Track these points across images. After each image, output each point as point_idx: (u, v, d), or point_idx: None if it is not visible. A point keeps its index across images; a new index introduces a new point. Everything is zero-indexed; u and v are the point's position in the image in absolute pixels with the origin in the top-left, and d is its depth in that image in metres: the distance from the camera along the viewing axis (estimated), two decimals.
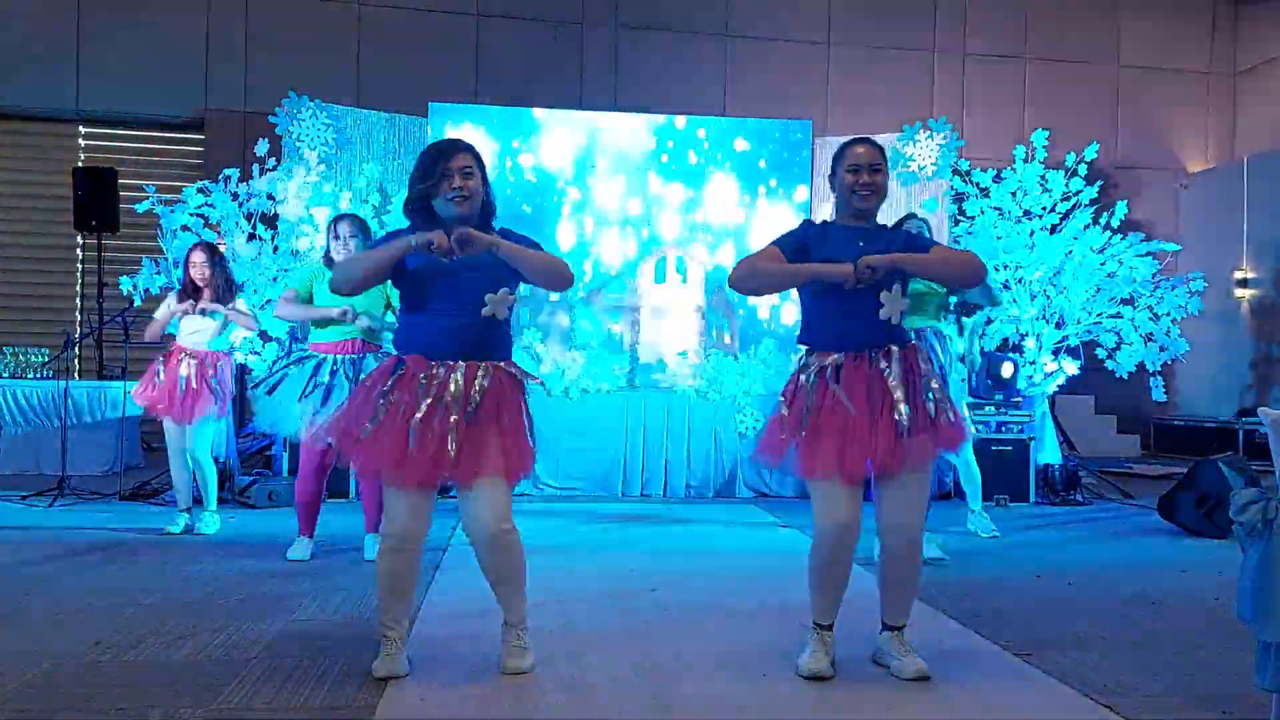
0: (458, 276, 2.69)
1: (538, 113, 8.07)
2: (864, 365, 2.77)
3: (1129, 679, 2.82)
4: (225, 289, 5.06)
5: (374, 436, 2.66)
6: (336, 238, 4.34)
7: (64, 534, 4.93)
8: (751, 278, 2.86)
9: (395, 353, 2.81)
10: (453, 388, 2.66)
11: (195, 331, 5.02)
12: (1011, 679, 2.83)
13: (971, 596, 3.81)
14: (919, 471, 2.81)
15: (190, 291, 5.04)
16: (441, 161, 2.70)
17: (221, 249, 5.51)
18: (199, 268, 4.99)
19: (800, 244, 2.85)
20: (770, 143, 8.22)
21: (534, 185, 7.92)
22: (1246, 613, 2.27)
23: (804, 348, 2.93)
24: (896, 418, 2.71)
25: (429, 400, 2.65)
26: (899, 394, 2.73)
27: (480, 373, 2.70)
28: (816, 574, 2.87)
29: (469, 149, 2.77)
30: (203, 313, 4.95)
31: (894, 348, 2.79)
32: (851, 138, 2.98)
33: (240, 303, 5.19)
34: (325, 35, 9.18)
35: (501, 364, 2.76)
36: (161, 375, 4.97)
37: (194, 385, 4.92)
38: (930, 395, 2.78)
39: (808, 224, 2.97)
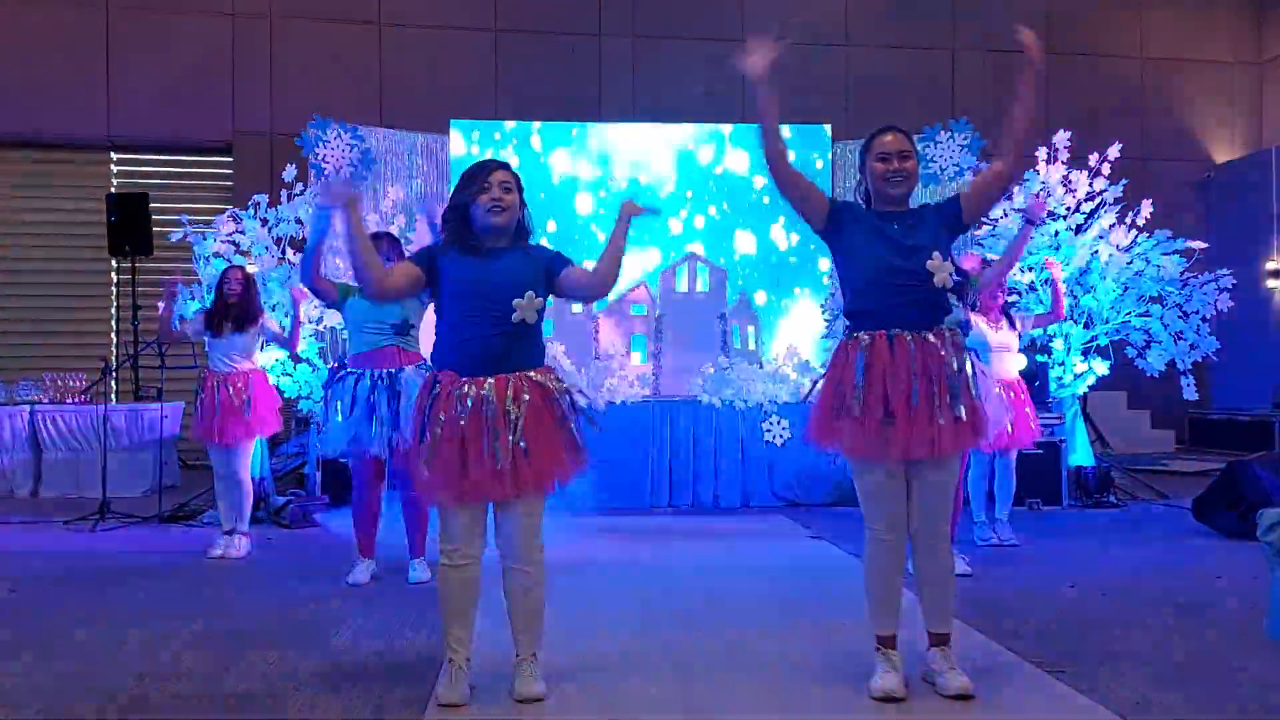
0: (488, 286, 2.77)
1: (558, 130, 8.15)
2: (908, 344, 2.80)
3: (1163, 696, 2.79)
4: (251, 311, 5.21)
5: (429, 463, 2.75)
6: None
7: (107, 560, 5.03)
8: (779, 157, 2.98)
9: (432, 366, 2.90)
10: (486, 409, 2.72)
11: (225, 354, 5.14)
12: (1043, 697, 2.83)
13: (1002, 610, 3.80)
14: (949, 460, 2.84)
15: (220, 313, 5.17)
16: (483, 174, 2.83)
17: (251, 270, 5.64)
18: (232, 283, 5.17)
19: (837, 211, 2.92)
20: (789, 146, 8.23)
21: (553, 197, 7.98)
22: (1277, 633, 2.27)
23: (848, 322, 2.97)
24: (945, 400, 2.74)
25: (470, 421, 2.71)
26: (945, 376, 2.77)
27: (511, 388, 2.75)
28: (872, 578, 2.90)
29: (510, 168, 2.90)
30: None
31: (936, 330, 2.83)
32: (878, 126, 3.01)
33: (270, 319, 5.35)
34: (348, 56, 9.31)
35: (532, 374, 2.81)
36: (200, 401, 5.12)
37: (229, 406, 5.03)
38: (961, 385, 2.80)
39: (853, 204, 3.01)
